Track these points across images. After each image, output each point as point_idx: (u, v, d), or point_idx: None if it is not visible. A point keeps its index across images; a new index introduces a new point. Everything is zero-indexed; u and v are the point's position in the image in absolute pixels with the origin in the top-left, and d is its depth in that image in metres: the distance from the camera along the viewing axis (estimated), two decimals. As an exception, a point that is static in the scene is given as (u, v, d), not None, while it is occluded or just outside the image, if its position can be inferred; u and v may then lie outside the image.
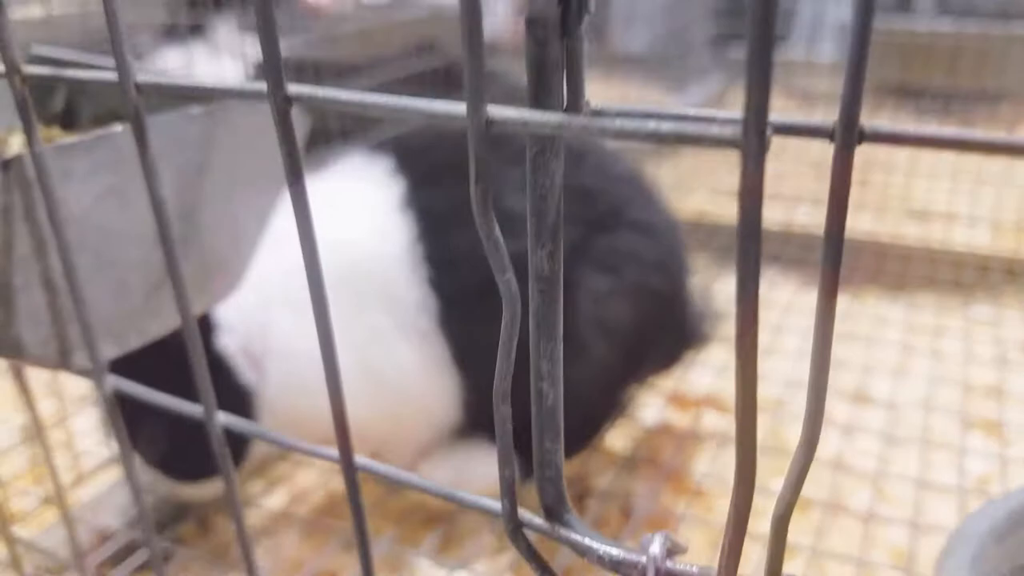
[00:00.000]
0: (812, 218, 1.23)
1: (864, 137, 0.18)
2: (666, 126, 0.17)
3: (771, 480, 0.66)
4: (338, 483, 0.71)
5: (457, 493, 0.25)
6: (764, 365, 0.86)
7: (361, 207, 0.60)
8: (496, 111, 0.19)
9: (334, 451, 0.27)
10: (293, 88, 0.22)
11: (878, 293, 1.04)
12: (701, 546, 0.62)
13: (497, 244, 0.20)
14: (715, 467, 0.71)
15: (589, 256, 0.61)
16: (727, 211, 1.34)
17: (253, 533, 0.66)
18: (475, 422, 0.64)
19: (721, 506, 0.66)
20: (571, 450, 0.63)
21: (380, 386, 0.59)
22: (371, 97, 0.21)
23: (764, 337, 0.92)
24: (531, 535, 0.25)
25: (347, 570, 0.61)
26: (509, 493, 0.24)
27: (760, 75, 0.16)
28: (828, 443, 0.73)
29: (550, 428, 0.24)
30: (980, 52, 1.36)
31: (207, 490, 0.62)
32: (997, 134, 0.17)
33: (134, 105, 0.25)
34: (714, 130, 0.17)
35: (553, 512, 0.24)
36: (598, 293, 0.61)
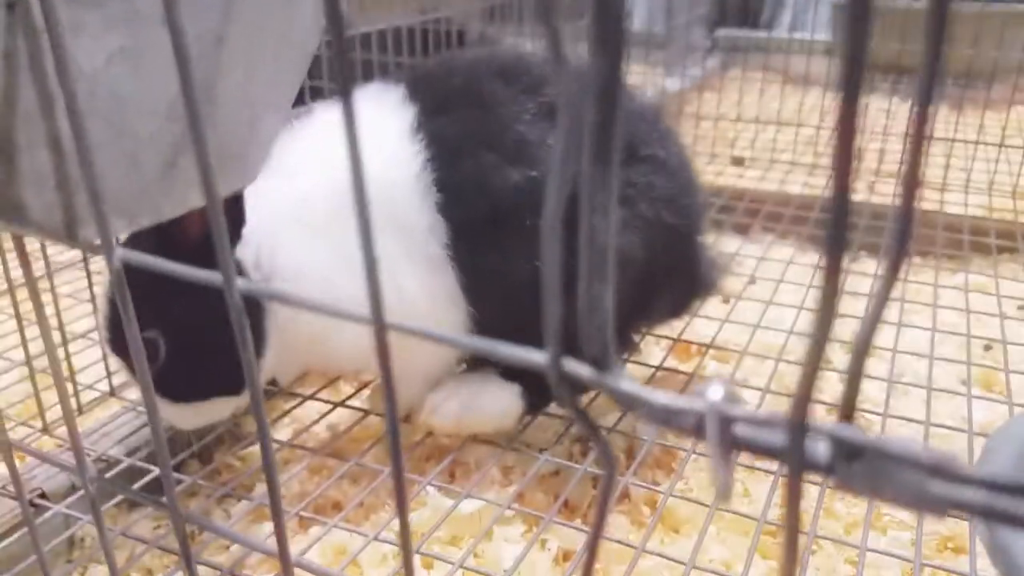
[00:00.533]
0: (809, 189, 1.26)
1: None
2: None
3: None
4: (339, 417, 0.70)
5: (497, 345, 0.24)
6: (768, 314, 0.85)
7: (372, 132, 0.58)
8: None
9: (365, 313, 0.26)
10: None
11: (877, 256, 1.03)
12: (707, 486, 0.62)
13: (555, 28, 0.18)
14: (721, 409, 0.70)
15: None
16: (726, 178, 1.35)
17: (259, 466, 0.64)
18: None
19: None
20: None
21: (387, 313, 0.57)
22: None
23: (766, 290, 0.92)
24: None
25: (352, 501, 0.59)
26: (556, 338, 0.23)
27: None
28: (835, 389, 0.73)
29: (599, 269, 0.22)
30: (980, 30, 1.36)
31: (195, 417, 0.59)
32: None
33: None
34: None
35: (600, 363, 0.23)
36: None
